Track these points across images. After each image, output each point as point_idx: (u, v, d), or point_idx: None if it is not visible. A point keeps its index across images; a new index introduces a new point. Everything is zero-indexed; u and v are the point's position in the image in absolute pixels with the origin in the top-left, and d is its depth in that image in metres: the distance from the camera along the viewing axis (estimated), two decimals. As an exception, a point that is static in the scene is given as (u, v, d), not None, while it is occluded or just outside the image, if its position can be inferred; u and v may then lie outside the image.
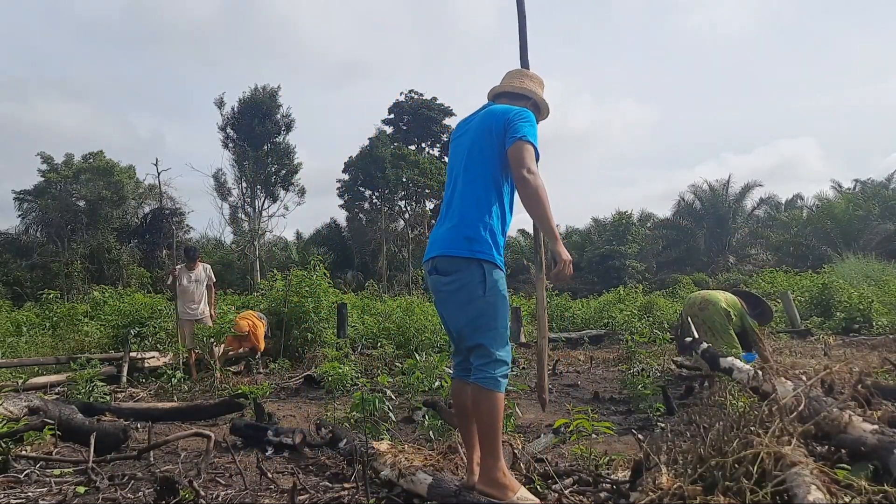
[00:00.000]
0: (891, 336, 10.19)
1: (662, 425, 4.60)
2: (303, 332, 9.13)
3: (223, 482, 3.38)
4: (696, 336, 6.15)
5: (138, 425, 4.97)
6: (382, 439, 3.85)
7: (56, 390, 6.78)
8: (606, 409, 5.89)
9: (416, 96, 38.45)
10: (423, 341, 9.78)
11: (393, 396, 5.11)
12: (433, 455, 3.12)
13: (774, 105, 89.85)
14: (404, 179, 34.46)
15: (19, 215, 30.25)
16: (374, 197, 35.60)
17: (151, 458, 3.96)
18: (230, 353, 8.47)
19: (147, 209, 32.37)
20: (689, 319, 6.48)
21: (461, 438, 2.93)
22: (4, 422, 3.93)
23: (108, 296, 12.77)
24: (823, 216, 27.94)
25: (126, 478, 3.45)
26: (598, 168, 79.01)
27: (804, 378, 3.01)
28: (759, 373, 3.82)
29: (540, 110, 3.07)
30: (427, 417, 4.77)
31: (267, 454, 4.05)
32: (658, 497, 1.92)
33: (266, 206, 32.66)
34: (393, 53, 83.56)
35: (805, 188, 79.92)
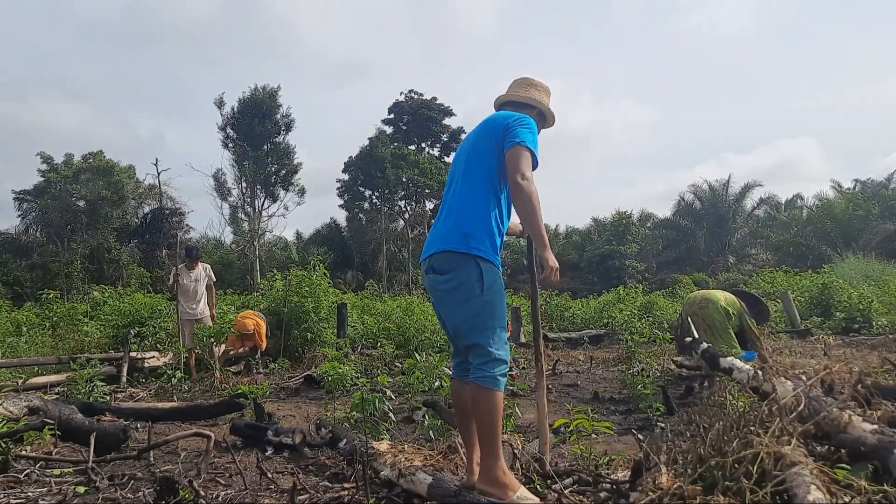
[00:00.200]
0: (891, 336, 10.19)
1: (662, 425, 4.60)
2: (303, 332, 9.13)
3: (223, 482, 3.38)
4: (696, 336, 6.15)
5: (138, 425, 4.97)
6: (382, 439, 3.85)
7: (56, 390, 6.78)
8: (606, 409, 5.89)
9: (416, 96, 38.46)
10: (423, 341, 9.78)
11: (393, 396, 5.11)
12: (433, 455, 3.12)
13: (774, 105, 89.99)
14: (404, 179, 34.46)
15: (19, 215, 30.28)
16: (373, 197, 35.60)
17: (151, 458, 3.96)
18: (231, 352, 8.47)
19: (147, 209, 32.36)
20: (689, 319, 6.48)
21: (461, 438, 2.93)
22: (4, 422, 3.93)
23: (108, 296, 12.78)
24: (823, 216, 27.94)
25: (126, 478, 3.45)
26: (598, 168, 79.14)
27: (804, 378, 3.02)
28: (759, 373, 3.83)
29: (546, 119, 3.09)
30: (427, 417, 4.77)
31: (267, 454, 4.05)
32: (658, 497, 1.92)
33: (266, 206, 32.70)
34: (393, 53, 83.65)
35: (805, 188, 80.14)
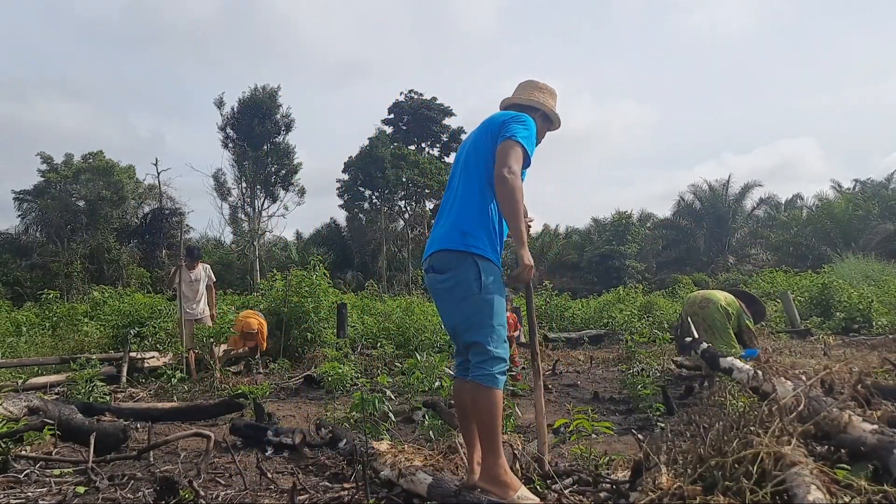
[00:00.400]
0: (891, 336, 10.19)
1: (662, 425, 4.60)
2: (303, 332, 9.13)
3: (223, 482, 3.38)
4: (696, 336, 6.15)
5: (138, 425, 4.96)
6: (382, 439, 3.85)
7: (56, 390, 6.77)
8: (606, 409, 5.88)
9: (415, 96, 38.47)
10: (423, 341, 9.78)
11: (393, 396, 5.11)
12: (433, 455, 3.12)
13: (774, 105, 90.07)
14: (404, 179, 34.47)
15: (19, 215, 30.27)
16: (373, 197, 35.60)
17: (151, 458, 3.96)
18: (232, 353, 8.48)
19: (147, 209, 32.35)
20: (689, 319, 6.48)
21: (462, 438, 2.94)
22: (4, 422, 3.93)
23: (108, 296, 12.77)
24: (823, 216, 27.95)
25: (126, 478, 3.45)
26: (598, 168, 79.13)
27: (804, 378, 3.02)
28: (759, 373, 3.82)
29: (551, 121, 3.10)
30: (427, 417, 4.77)
31: (267, 454, 4.05)
32: (658, 497, 1.92)
33: (266, 206, 32.69)
34: (393, 53, 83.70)
35: (805, 188, 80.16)
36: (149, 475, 3.52)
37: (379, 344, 9.34)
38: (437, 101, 38.27)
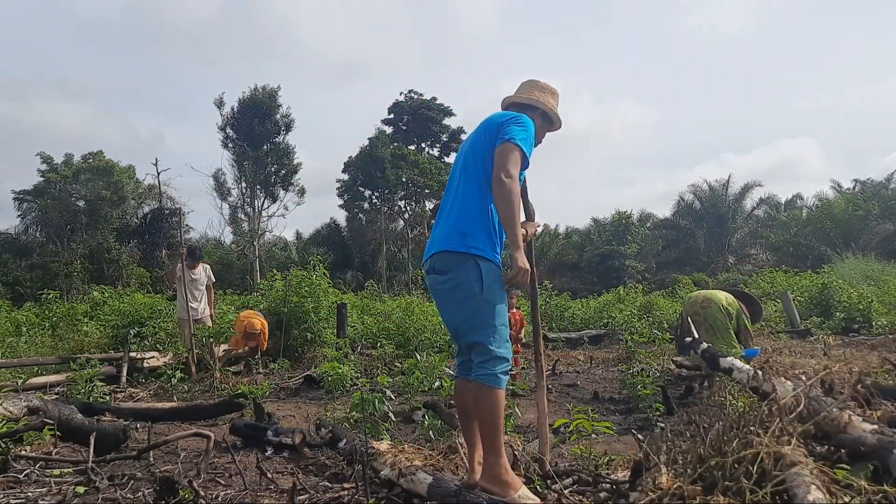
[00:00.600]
0: (891, 336, 10.19)
1: (662, 425, 4.61)
2: (302, 332, 9.12)
3: (223, 482, 3.38)
4: (696, 336, 6.15)
5: (138, 425, 4.96)
6: (382, 439, 3.85)
7: (56, 390, 6.77)
8: (606, 409, 5.89)
9: (415, 96, 38.46)
10: (423, 341, 9.78)
11: (393, 396, 5.11)
12: (433, 455, 3.12)
13: (774, 105, 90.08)
14: (404, 179, 34.46)
15: (19, 215, 30.25)
16: (373, 197, 35.59)
17: (151, 458, 3.96)
18: (233, 353, 8.48)
19: (147, 209, 32.35)
20: (690, 319, 6.49)
21: (463, 437, 2.94)
22: (4, 422, 3.93)
23: (108, 296, 12.76)
24: (823, 216, 27.95)
25: (126, 478, 3.45)
26: (598, 168, 79.10)
27: (804, 378, 3.02)
28: (759, 373, 3.82)
29: (552, 121, 3.09)
30: (427, 417, 4.77)
31: (267, 454, 4.05)
32: (658, 497, 1.92)
33: (266, 206, 32.67)
34: (393, 53, 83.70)
35: (805, 188, 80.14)
36: (149, 475, 3.52)
37: (379, 344, 9.34)
38: (437, 101, 38.28)
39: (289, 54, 77.57)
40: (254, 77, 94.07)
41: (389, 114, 38.52)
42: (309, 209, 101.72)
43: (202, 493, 2.88)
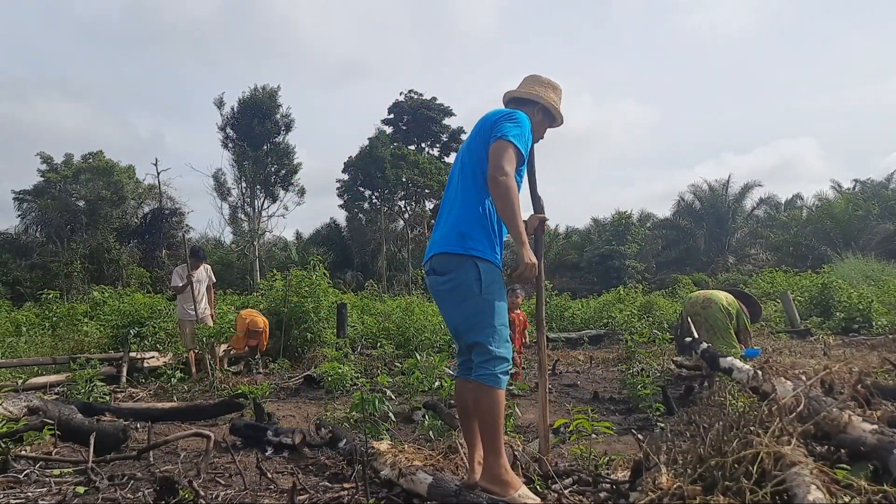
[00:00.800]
0: (891, 336, 10.19)
1: (662, 425, 4.61)
2: (302, 332, 9.13)
3: (223, 482, 3.38)
4: (696, 336, 6.16)
5: (138, 425, 4.96)
6: (382, 439, 3.85)
7: (56, 390, 6.77)
8: (606, 409, 5.89)
9: (415, 96, 38.47)
10: (423, 341, 9.78)
11: (393, 396, 5.11)
12: (433, 455, 3.12)
13: (774, 105, 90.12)
14: (404, 179, 34.46)
15: (19, 215, 30.28)
16: (373, 197, 35.59)
17: (151, 458, 3.96)
18: (233, 352, 8.47)
19: (147, 209, 32.35)
20: (690, 319, 6.49)
21: (463, 437, 2.94)
22: (4, 422, 3.93)
23: (108, 296, 12.75)
24: (823, 216, 27.95)
25: (126, 478, 3.45)
26: (598, 168, 79.13)
27: (804, 378, 3.02)
28: (759, 373, 3.82)
29: (553, 116, 3.07)
30: (427, 417, 4.77)
31: (267, 454, 4.05)
32: (658, 497, 1.92)
33: (266, 206, 32.69)
34: (393, 53, 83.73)
35: (805, 188, 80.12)
36: (149, 475, 3.52)
37: (379, 344, 9.34)
38: (437, 101, 38.29)
39: (289, 54, 77.69)
40: (254, 77, 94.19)
41: (389, 114, 38.54)
42: (309, 209, 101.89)
43: (202, 493, 2.88)
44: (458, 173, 2.88)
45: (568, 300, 16.63)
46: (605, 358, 9.64)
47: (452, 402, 5.06)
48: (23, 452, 3.75)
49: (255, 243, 31.10)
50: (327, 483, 3.30)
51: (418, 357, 5.83)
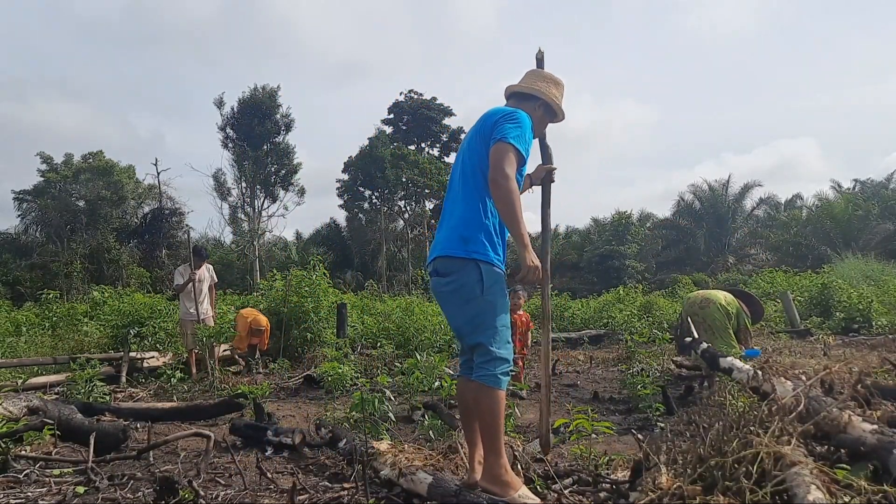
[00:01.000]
0: (890, 336, 10.19)
1: (662, 425, 4.60)
2: (302, 332, 9.12)
3: (223, 482, 3.38)
4: (696, 336, 6.15)
5: (138, 425, 4.96)
6: (382, 439, 3.85)
7: (56, 390, 6.77)
8: (606, 409, 5.89)
9: (415, 96, 38.47)
10: (423, 341, 9.78)
11: (393, 396, 5.11)
12: (433, 455, 3.12)
13: (774, 105, 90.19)
14: (404, 179, 34.46)
15: (19, 215, 30.28)
16: (373, 197, 35.60)
17: (151, 458, 3.96)
18: (237, 352, 8.48)
19: (147, 209, 32.35)
20: (689, 319, 6.49)
21: (464, 436, 2.95)
22: (4, 422, 3.92)
23: (108, 296, 12.75)
24: (823, 216, 27.94)
25: (126, 478, 3.45)
26: (598, 168, 79.15)
27: (804, 378, 3.02)
28: (759, 373, 3.82)
29: (554, 112, 3.05)
30: (427, 417, 4.76)
31: (266, 454, 4.05)
32: (658, 497, 1.92)
33: (266, 206, 32.71)
34: (393, 53, 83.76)
35: (805, 188, 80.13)
36: (149, 475, 3.52)
37: (379, 344, 9.33)
38: (437, 101, 38.30)
39: (289, 54, 77.72)
40: (254, 77, 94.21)
41: (389, 114, 38.54)
42: (309, 209, 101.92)
43: (202, 493, 2.88)
44: (459, 174, 2.87)
45: (568, 300, 16.62)
46: (605, 358, 9.64)
47: (452, 401, 5.06)
48: (23, 452, 3.75)
49: (255, 243, 31.11)
50: (327, 483, 3.30)
51: (418, 357, 5.83)
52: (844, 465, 1.97)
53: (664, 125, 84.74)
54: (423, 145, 38.79)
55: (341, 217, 36.80)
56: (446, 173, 35.00)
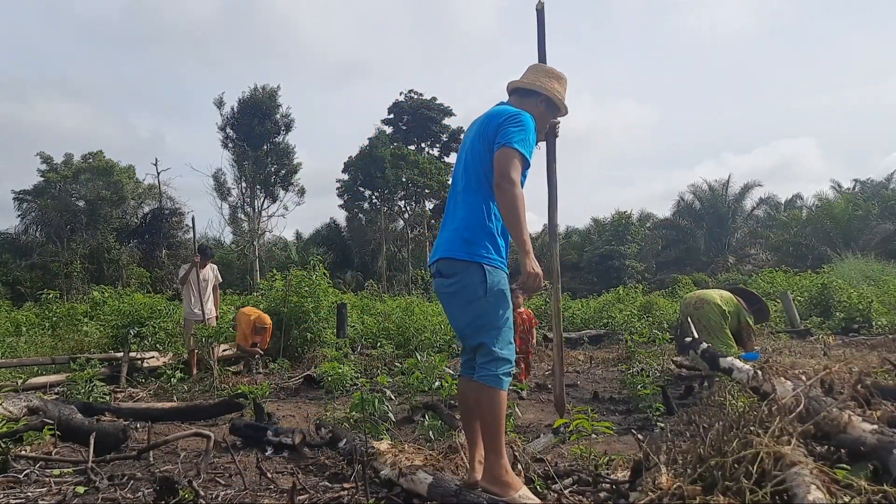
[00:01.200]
0: (890, 336, 10.19)
1: (662, 425, 4.60)
2: (302, 332, 9.12)
3: (223, 482, 3.38)
4: (696, 336, 6.15)
5: (138, 425, 4.97)
6: (382, 439, 3.85)
7: (56, 390, 6.77)
8: (606, 409, 5.89)
9: (415, 96, 38.47)
10: (423, 341, 9.78)
11: (393, 396, 5.11)
12: (433, 455, 3.12)
13: (774, 105, 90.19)
14: (404, 179, 34.46)
15: (19, 215, 30.28)
16: (373, 197, 35.60)
17: (151, 458, 3.96)
18: (242, 349, 8.48)
19: (147, 209, 32.35)
20: (689, 319, 6.49)
21: (465, 436, 2.95)
22: (4, 422, 3.92)
23: (108, 296, 12.76)
24: (823, 216, 27.93)
25: (126, 478, 3.45)
26: (598, 168, 79.14)
27: (804, 378, 3.02)
28: (759, 373, 3.82)
29: (557, 107, 3.05)
30: (427, 417, 4.76)
31: (266, 454, 4.05)
32: (657, 497, 1.92)
33: (266, 206, 32.69)
34: (393, 53, 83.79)
35: (805, 188, 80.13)
36: (149, 475, 3.52)
37: (379, 344, 9.33)
38: (437, 101, 38.29)
39: (289, 54, 77.73)
40: (254, 77, 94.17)
41: (389, 114, 38.54)
42: (309, 209, 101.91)
43: (202, 493, 2.88)
44: (461, 175, 2.86)
45: (568, 300, 16.61)
46: (605, 358, 9.64)
47: (453, 402, 5.06)
48: (23, 452, 3.75)
49: (255, 243, 31.11)
50: (327, 483, 3.30)
51: (418, 357, 5.83)
52: (844, 465, 1.97)
53: (664, 125, 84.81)
54: (423, 145, 38.79)
55: (341, 217, 36.86)
56: (446, 173, 35.04)
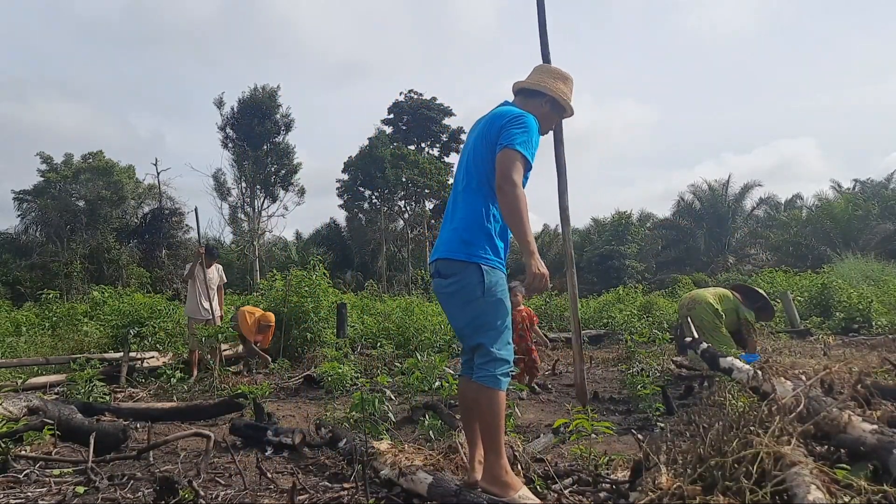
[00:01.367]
0: (890, 336, 10.19)
1: (662, 425, 4.60)
2: (302, 332, 9.12)
3: (223, 482, 3.37)
4: (696, 336, 6.16)
5: (138, 425, 4.96)
6: (382, 439, 3.85)
7: (56, 390, 6.77)
8: (606, 409, 5.89)
9: (415, 96, 38.50)
10: (423, 341, 9.77)
11: (393, 396, 5.11)
12: (433, 455, 3.12)
13: (774, 105, 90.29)
14: (404, 179, 34.48)
15: (19, 215, 30.31)
16: (373, 197, 35.61)
17: (151, 458, 3.96)
18: (256, 344, 8.49)
19: (147, 209, 32.35)
20: (688, 319, 6.52)
21: (465, 436, 2.95)
22: (4, 422, 3.92)
23: (108, 296, 12.75)
24: (823, 216, 27.93)
25: (126, 478, 3.45)
26: (598, 168, 79.16)
27: (804, 378, 3.02)
28: (759, 373, 3.82)
29: (562, 107, 3.05)
30: (427, 417, 4.76)
31: (266, 454, 4.05)
32: (657, 497, 1.92)
33: (266, 205, 32.72)
34: (393, 53, 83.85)
35: (805, 188, 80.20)
36: (149, 475, 3.52)
37: (379, 344, 9.33)
38: (437, 101, 38.33)
39: (289, 54, 77.79)
40: (254, 77, 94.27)
41: (389, 114, 38.57)
42: (309, 209, 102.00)
43: (202, 493, 2.88)
44: (462, 175, 2.87)
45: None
46: (605, 358, 9.63)
47: (453, 401, 5.06)
48: (23, 452, 3.75)
49: (255, 243, 31.12)
50: (327, 483, 3.30)
51: (418, 357, 5.83)
52: (844, 465, 1.97)
53: (664, 125, 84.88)
54: (423, 145, 38.80)
55: (341, 217, 36.89)
56: (446, 173, 35.05)
